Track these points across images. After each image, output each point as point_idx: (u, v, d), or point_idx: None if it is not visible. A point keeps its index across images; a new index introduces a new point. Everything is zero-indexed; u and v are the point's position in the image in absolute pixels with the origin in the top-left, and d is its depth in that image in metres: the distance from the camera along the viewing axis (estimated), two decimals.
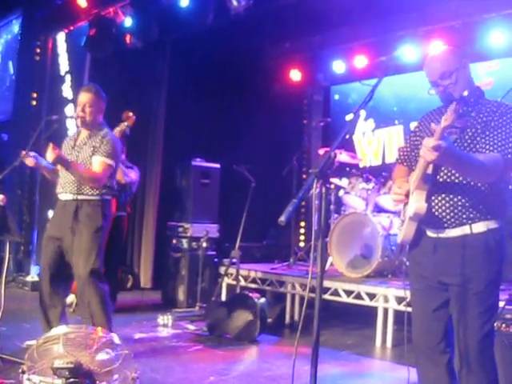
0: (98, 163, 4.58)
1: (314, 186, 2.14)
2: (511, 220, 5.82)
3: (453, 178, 2.76)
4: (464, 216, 2.73)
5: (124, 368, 3.19)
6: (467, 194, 2.73)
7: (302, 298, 6.36)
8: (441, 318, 2.86)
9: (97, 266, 4.56)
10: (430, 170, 2.72)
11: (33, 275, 8.38)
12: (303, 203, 9.20)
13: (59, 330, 3.21)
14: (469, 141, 2.75)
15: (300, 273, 6.62)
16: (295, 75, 9.19)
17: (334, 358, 5.13)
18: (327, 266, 6.66)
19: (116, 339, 3.27)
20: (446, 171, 2.78)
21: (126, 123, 5.98)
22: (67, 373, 2.98)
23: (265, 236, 8.61)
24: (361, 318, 6.41)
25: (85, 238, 4.55)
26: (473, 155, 2.68)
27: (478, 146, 2.73)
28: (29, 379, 3.06)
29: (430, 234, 2.84)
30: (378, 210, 6.78)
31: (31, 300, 7.19)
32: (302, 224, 9.31)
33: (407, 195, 2.83)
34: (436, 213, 2.77)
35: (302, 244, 9.00)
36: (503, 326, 4.18)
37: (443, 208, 2.76)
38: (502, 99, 6.28)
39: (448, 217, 2.75)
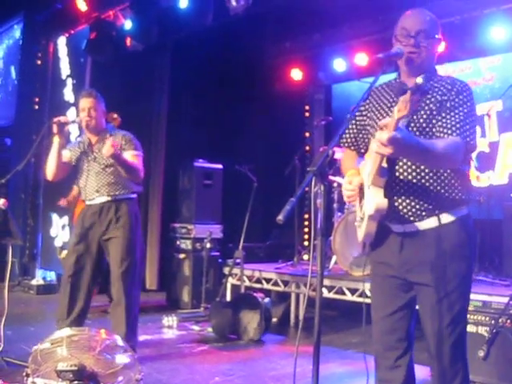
0: (132, 156, 4.68)
1: (313, 184, 2.13)
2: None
3: (413, 167, 2.54)
4: (430, 207, 2.53)
5: (128, 370, 3.19)
6: (430, 183, 2.53)
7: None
8: (402, 318, 2.67)
9: (136, 265, 4.70)
10: (385, 163, 2.47)
11: (38, 279, 8.40)
12: (306, 202, 9.19)
13: (63, 332, 3.21)
14: (424, 124, 2.53)
15: (304, 272, 6.61)
16: (296, 74, 9.18)
17: (339, 357, 5.14)
18: (331, 265, 6.65)
19: (120, 341, 3.27)
20: (404, 161, 2.55)
21: (111, 124, 5.98)
22: (71, 375, 2.98)
23: (268, 236, 8.61)
24: (365, 316, 6.39)
25: (127, 238, 4.64)
26: (432, 142, 2.44)
27: (434, 130, 2.52)
28: (33, 382, 3.07)
29: (396, 229, 2.62)
30: None
31: (36, 304, 7.23)
32: (306, 223, 9.30)
33: (360, 189, 2.61)
34: (400, 206, 2.55)
35: (305, 243, 8.98)
36: (508, 321, 4.18)
37: (407, 201, 2.54)
38: (503, 94, 6.28)
39: (414, 209, 2.54)
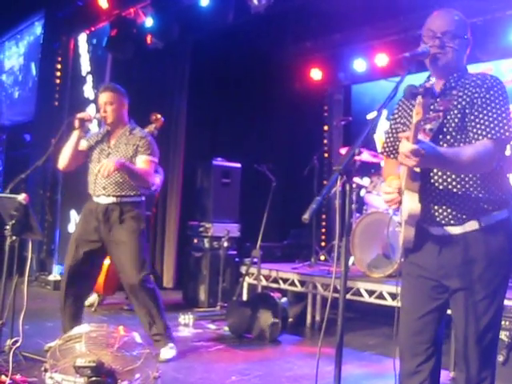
0: (144, 161, 4.65)
1: (338, 183, 2.10)
2: None
3: (448, 173, 2.49)
4: (470, 210, 2.48)
5: (146, 367, 3.19)
6: (468, 186, 2.48)
7: (323, 298, 6.33)
8: (431, 322, 2.62)
9: (148, 269, 4.72)
10: (417, 168, 2.41)
11: (55, 274, 8.44)
12: (324, 202, 9.16)
13: (81, 328, 3.22)
14: (459, 124, 2.48)
15: (321, 272, 6.58)
16: (316, 74, 9.15)
17: (356, 359, 5.09)
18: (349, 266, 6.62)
19: (138, 338, 3.27)
20: None
21: (154, 125, 6.01)
22: (89, 371, 2.99)
23: (286, 235, 8.58)
24: (383, 318, 6.36)
25: (134, 242, 4.65)
26: (458, 151, 2.39)
27: (469, 129, 2.46)
28: (51, 377, 3.08)
29: (435, 232, 2.57)
30: None
31: (53, 299, 7.23)
32: (323, 223, 9.26)
33: (399, 192, 2.52)
34: (440, 210, 2.52)
35: (323, 244, 8.96)
36: None
37: (444, 207, 2.50)
38: None
39: (451, 215, 2.49)
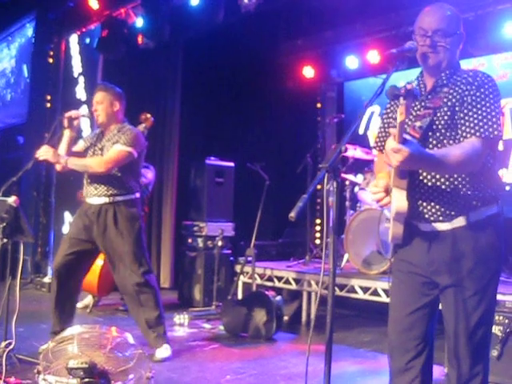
0: (112, 150, 4.60)
1: (325, 181, 2.10)
2: None
3: None
4: (458, 207, 2.47)
5: (139, 368, 3.19)
6: (458, 183, 2.47)
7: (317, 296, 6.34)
8: (421, 319, 2.60)
9: (147, 267, 4.71)
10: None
11: (50, 276, 8.41)
12: (319, 200, 9.16)
13: (73, 330, 3.21)
14: (449, 121, 2.46)
15: (316, 270, 6.59)
16: (308, 72, 9.15)
17: (351, 356, 5.10)
18: (343, 263, 6.62)
19: (130, 339, 3.27)
20: None
21: (144, 124, 6.00)
22: (82, 373, 2.99)
23: (280, 234, 8.59)
24: (378, 314, 6.37)
25: (131, 242, 4.64)
26: (446, 152, 2.37)
27: (458, 126, 2.44)
28: (44, 379, 3.08)
29: (424, 229, 2.56)
30: None
31: (48, 301, 7.19)
32: (318, 221, 9.27)
33: (387, 191, 2.51)
34: (429, 206, 2.51)
35: (317, 241, 8.97)
36: None
37: (432, 204, 2.50)
38: None
39: (442, 209, 2.48)
